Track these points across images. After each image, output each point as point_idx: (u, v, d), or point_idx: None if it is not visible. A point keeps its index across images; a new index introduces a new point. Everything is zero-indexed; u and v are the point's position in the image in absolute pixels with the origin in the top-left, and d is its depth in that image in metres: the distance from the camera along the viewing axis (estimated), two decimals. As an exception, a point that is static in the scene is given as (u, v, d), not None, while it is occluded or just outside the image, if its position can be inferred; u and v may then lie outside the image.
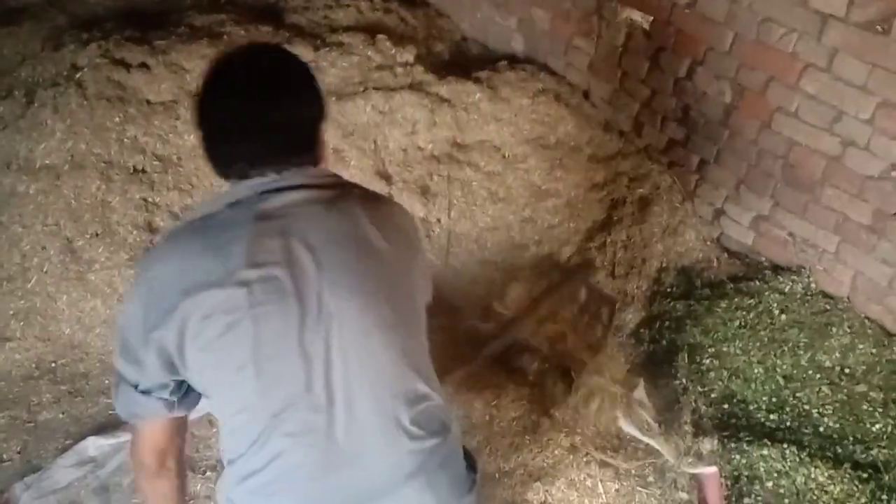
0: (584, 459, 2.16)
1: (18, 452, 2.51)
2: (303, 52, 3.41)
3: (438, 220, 3.26)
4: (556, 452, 2.17)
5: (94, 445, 2.48)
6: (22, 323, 2.81)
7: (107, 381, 2.69)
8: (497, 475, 2.15)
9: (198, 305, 1.22)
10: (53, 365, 2.77)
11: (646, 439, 2.35)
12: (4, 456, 2.50)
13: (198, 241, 1.26)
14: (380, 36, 3.60)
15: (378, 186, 3.23)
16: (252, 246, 1.24)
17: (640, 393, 2.58)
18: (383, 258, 1.32)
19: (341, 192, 1.35)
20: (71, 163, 2.92)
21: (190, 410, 1.37)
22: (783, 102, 2.81)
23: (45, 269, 2.83)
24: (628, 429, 2.36)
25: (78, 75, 3.14)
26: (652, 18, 3.11)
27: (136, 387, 1.31)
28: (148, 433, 1.38)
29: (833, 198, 2.85)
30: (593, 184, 3.34)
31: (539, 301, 2.90)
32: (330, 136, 3.24)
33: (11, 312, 2.81)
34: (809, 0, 2.59)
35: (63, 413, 2.64)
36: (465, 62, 3.88)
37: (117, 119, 3.04)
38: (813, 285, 3.04)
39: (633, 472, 2.24)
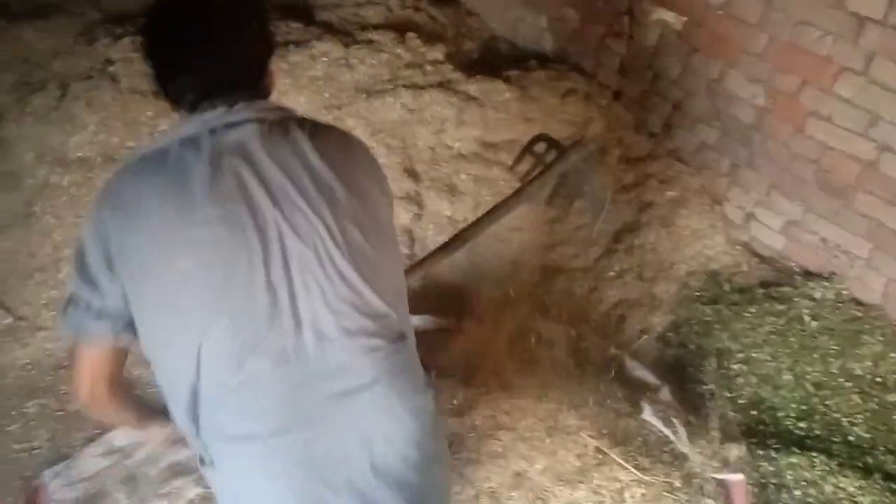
0: (610, 464, 2.15)
1: (48, 440, 2.55)
2: (332, 48, 3.43)
3: (465, 219, 3.26)
4: (580, 456, 2.15)
5: (121, 436, 2.50)
6: (53, 313, 2.84)
7: (136, 373, 2.72)
8: (519, 476, 2.14)
9: (160, 245, 1.25)
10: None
11: (672, 438, 2.33)
12: (35, 444, 2.53)
13: (157, 180, 1.28)
14: (409, 34, 3.61)
15: (405, 184, 3.23)
16: (210, 184, 1.26)
17: (667, 396, 2.56)
18: (336, 186, 1.33)
19: (291, 124, 1.37)
20: (103, 156, 2.96)
21: (132, 342, 1.36)
22: (817, 106, 2.77)
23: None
24: (652, 419, 2.34)
25: (111, 69, 3.18)
26: (685, 19, 3.08)
27: (87, 308, 1.32)
28: (93, 360, 1.37)
29: (867, 203, 2.81)
30: (622, 185, 3.31)
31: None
32: (359, 133, 3.26)
33: (43, 302, 2.85)
34: (846, 2, 2.55)
35: (92, 403, 2.67)
36: (494, 61, 3.87)
37: (149, 113, 3.07)
38: (845, 292, 2.99)
39: (659, 477, 2.22)
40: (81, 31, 3.53)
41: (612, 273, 3.17)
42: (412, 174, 3.27)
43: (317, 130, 1.39)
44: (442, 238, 3.18)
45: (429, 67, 3.50)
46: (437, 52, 3.60)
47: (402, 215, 3.18)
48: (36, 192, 2.97)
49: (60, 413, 2.63)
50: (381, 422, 1.34)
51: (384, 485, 1.32)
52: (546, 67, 3.64)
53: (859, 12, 2.54)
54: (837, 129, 2.75)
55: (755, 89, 2.94)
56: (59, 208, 2.90)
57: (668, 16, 3.14)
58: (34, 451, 2.51)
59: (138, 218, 1.26)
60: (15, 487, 2.41)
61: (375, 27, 3.66)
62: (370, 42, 3.52)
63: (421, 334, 2.45)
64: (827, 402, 2.66)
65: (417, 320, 2.74)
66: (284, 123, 1.36)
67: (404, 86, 3.37)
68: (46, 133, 3.04)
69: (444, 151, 3.37)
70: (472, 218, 3.21)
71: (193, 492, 2.24)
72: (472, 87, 3.48)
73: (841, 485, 2.37)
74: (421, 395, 1.42)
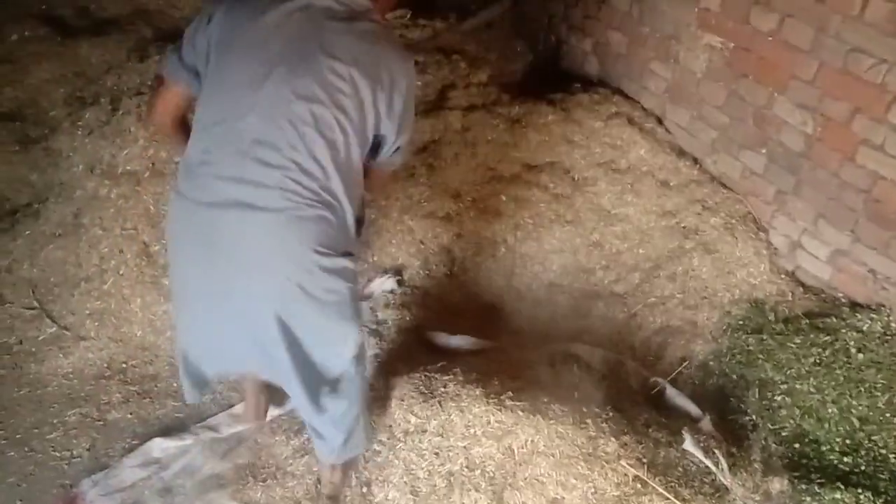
0: (650, 494, 2.10)
1: (87, 450, 2.58)
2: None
3: (504, 241, 3.25)
4: (619, 484, 2.12)
5: (159, 447, 2.53)
6: (97, 323, 2.89)
7: (174, 384, 2.75)
8: (556, 503, 2.11)
9: (232, 31, 1.79)
10: (124, 366, 2.84)
11: (713, 469, 2.28)
12: (74, 452, 2.56)
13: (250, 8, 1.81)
14: (455, 56, 3.63)
15: (447, 204, 3.24)
16: (277, 25, 1.77)
17: (709, 426, 2.51)
18: (330, 70, 1.73)
19: (354, 21, 1.80)
20: (152, 170, 3.00)
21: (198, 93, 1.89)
22: (869, 135, 2.72)
23: (121, 272, 2.91)
24: (693, 449, 2.29)
25: (161, 85, 3.24)
26: (732, 45, 3.05)
27: (181, 59, 1.88)
28: (174, 96, 1.95)
29: (919, 235, 2.74)
30: (665, 210, 3.28)
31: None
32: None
33: (87, 312, 2.90)
34: (902, 30, 2.51)
35: (131, 413, 2.70)
36: (537, 84, 3.88)
37: (197, 129, 3.12)
38: (893, 325, 2.90)
39: (699, 508, 2.17)
40: (134, 47, 3.62)
41: (653, 299, 3.13)
42: (453, 195, 3.28)
43: (364, 35, 1.79)
44: (480, 258, 3.18)
45: (474, 89, 3.52)
46: (482, 74, 3.61)
47: (443, 235, 3.19)
48: (85, 204, 3.03)
49: (100, 423, 2.66)
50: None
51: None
52: (589, 91, 3.63)
53: (915, 40, 2.50)
54: (890, 159, 2.69)
55: (804, 116, 2.89)
56: (107, 220, 2.94)
57: (716, 41, 3.11)
58: (73, 460, 2.54)
59: (233, 23, 1.79)
60: (53, 495, 2.44)
61: (422, 48, 3.69)
62: (416, 63, 3.55)
63: (461, 354, 2.46)
64: (873, 437, 2.58)
65: (458, 340, 2.73)
66: (350, 17, 1.78)
67: (450, 108, 3.39)
68: (97, 146, 3.10)
69: (486, 172, 3.38)
70: (511, 240, 3.22)
71: (228, 505, 2.24)
72: (516, 109, 3.48)
73: (887, 523, 2.30)
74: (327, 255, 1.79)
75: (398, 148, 1.96)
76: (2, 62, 3.75)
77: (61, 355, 2.84)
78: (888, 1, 2.53)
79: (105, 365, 2.84)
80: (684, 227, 3.24)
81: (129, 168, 3.00)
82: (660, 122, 3.50)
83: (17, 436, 2.60)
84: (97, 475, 2.45)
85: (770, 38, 2.90)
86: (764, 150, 3.10)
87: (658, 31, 3.34)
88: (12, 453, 2.54)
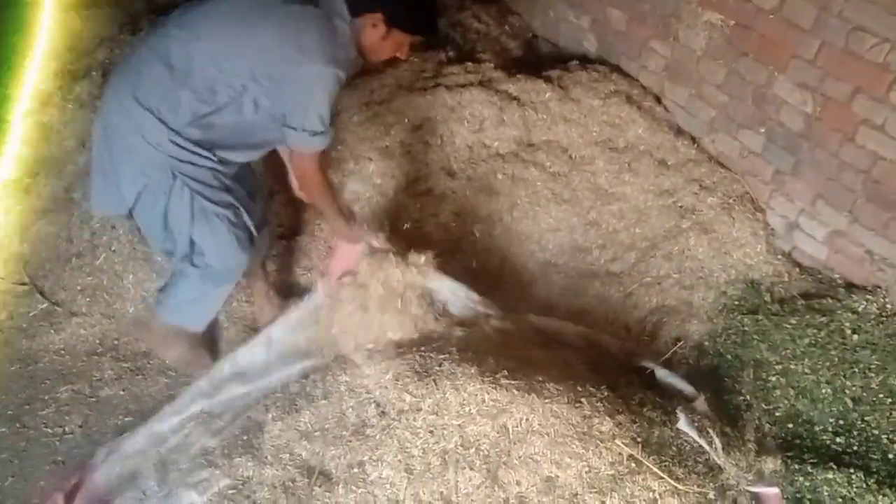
0: (644, 473, 2.10)
1: (80, 426, 2.58)
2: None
3: (500, 219, 3.23)
4: (614, 463, 2.12)
5: (159, 422, 2.51)
6: (88, 299, 2.88)
7: (167, 362, 2.74)
8: (550, 481, 2.11)
9: None
10: (116, 342, 2.84)
11: (707, 449, 2.28)
12: (66, 429, 2.56)
13: None
14: (452, 33, 3.58)
15: (443, 182, 3.21)
16: None
17: (703, 406, 2.50)
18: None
19: None
20: (143, 144, 2.96)
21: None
22: (870, 115, 2.69)
23: (113, 248, 2.90)
24: (687, 429, 2.29)
25: (154, 58, 3.19)
26: (733, 22, 3.01)
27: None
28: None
29: (917, 216, 2.73)
30: (662, 189, 3.26)
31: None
32: (397, 129, 3.24)
33: (79, 288, 2.89)
34: (906, 8, 2.48)
35: (124, 390, 2.70)
36: (535, 61, 3.84)
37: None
38: (889, 306, 2.91)
39: (693, 488, 2.17)
40: (126, 21, 3.56)
41: (649, 278, 3.12)
42: (449, 172, 3.25)
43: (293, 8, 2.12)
44: (476, 237, 3.16)
45: (469, 65, 3.47)
46: (480, 51, 3.57)
47: (442, 213, 3.16)
48: (76, 179, 3.00)
49: (92, 399, 2.66)
50: None
51: None
52: (588, 68, 3.59)
53: (919, 19, 2.47)
54: (890, 140, 2.67)
55: (805, 96, 2.87)
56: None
57: (717, 18, 3.07)
58: (66, 437, 2.55)
59: None
60: (46, 471, 2.43)
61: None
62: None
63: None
64: (866, 418, 2.60)
65: (453, 284, 2.65)
66: None
67: (446, 86, 3.35)
68: (89, 120, 3.06)
69: (482, 150, 3.35)
70: (507, 218, 3.20)
71: (221, 483, 2.23)
72: (513, 86, 3.44)
73: (879, 503, 2.31)
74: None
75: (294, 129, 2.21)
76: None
77: (52, 331, 2.83)
78: (892, -21, 2.50)
79: (97, 341, 2.83)
80: (681, 207, 3.22)
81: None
82: (658, 100, 3.47)
83: (9, 412, 2.60)
84: (111, 443, 2.46)
85: (772, 17, 2.87)
86: (763, 130, 3.08)
87: (658, 7, 3.29)
88: (4, 429, 2.55)
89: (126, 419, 2.60)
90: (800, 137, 2.95)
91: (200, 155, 2.20)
